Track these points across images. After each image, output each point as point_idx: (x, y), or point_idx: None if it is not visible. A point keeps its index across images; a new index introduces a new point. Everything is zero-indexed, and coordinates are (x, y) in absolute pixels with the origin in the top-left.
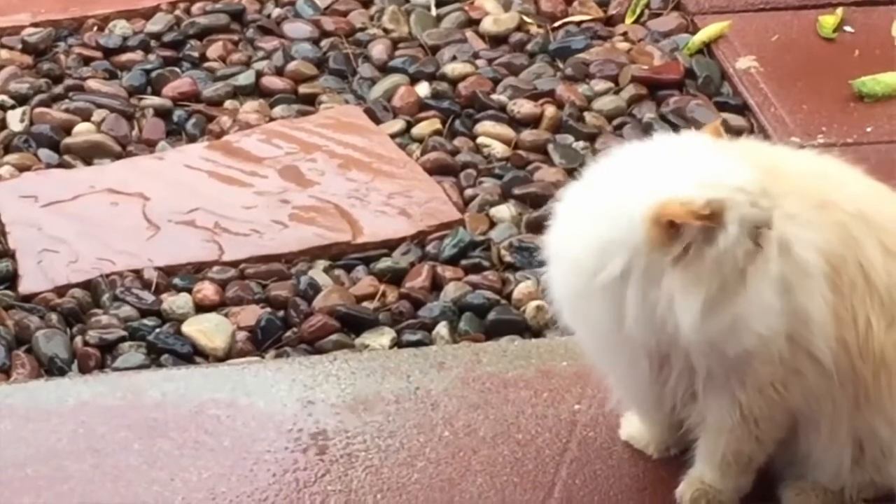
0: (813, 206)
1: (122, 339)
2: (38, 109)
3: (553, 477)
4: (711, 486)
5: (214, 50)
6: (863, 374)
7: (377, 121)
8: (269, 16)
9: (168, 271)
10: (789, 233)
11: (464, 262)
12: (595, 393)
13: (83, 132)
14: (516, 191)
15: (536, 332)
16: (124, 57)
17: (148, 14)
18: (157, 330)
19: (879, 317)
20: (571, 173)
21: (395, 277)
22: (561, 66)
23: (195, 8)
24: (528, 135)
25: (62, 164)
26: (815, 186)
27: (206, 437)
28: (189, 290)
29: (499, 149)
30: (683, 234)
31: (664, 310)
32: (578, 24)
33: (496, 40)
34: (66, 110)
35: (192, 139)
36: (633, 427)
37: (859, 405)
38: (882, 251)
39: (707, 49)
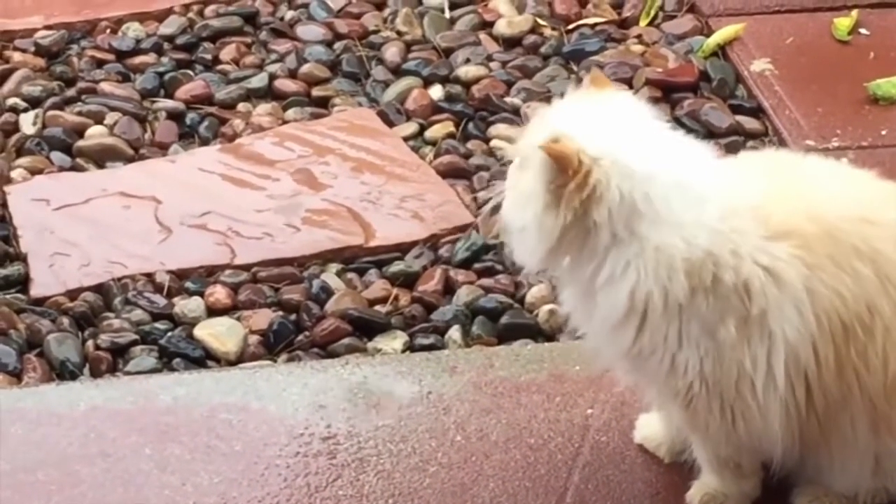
0: (854, 257)
1: (134, 343)
2: (50, 112)
3: (565, 482)
4: (717, 491)
5: (227, 52)
6: (885, 410)
7: (390, 123)
8: (282, 18)
9: (180, 275)
10: (773, 311)
11: (476, 265)
12: (608, 397)
13: (96, 135)
14: None
15: (549, 336)
16: (137, 59)
17: (161, 16)
18: (169, 334)
19: None
20: None
21: (408, 281)
22: (575, 68)
23: (208, 10)
24: None
25: (74, 168)
26: (860, 233)
27: (217, 442)
28: (201, 294)
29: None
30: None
31: None
32: (592, 26)
33: (510, 43)
34: (79, 113)
35: (204, 142)
36: (648, 429)
37: (879, 433)
38: None
39: (721, 51)
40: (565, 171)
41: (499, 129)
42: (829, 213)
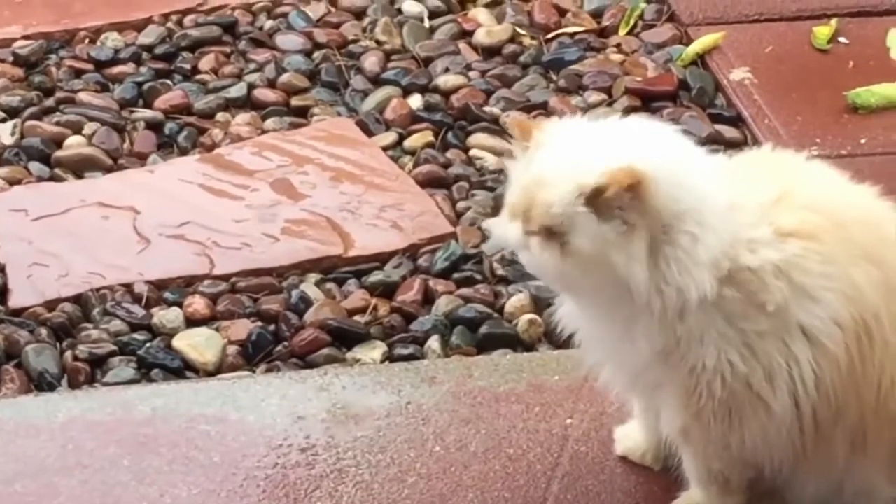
0: (864, 258)
1: (113, 354)
2: (28, 122)
3: (544, 492)
4: None
5: (206, 62)
6: (871, 426)
7: (369, 133)
8: (261, 28)
9: (159, 285)
10: (793, 304)
11: (456, 275)
12: (587, 408)
13: (74, 145)
14: None
15: (528, 346)
16: (116, 69)
17: (140, 26)
18: (148, 344)
19: None
20: None
21: (387, 291)
22: (554, 77)
23: (187, 20)
24: None
25: (53, 178)
26: (869, 235)
27: (195, 453)
28: (180, 305)
29: (491, 161)
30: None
31: None
32: (572, 35)
33: (489, 52)
34: (57, 123)
35: (183, 152)
36: (629, 440)
37: (856, 452)
38: None
39: (701, 60)
40: (628, 191)
41: (478, 138)
42: (838, 211)
